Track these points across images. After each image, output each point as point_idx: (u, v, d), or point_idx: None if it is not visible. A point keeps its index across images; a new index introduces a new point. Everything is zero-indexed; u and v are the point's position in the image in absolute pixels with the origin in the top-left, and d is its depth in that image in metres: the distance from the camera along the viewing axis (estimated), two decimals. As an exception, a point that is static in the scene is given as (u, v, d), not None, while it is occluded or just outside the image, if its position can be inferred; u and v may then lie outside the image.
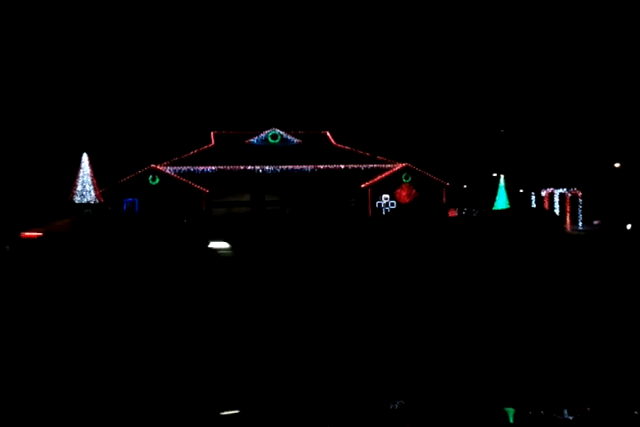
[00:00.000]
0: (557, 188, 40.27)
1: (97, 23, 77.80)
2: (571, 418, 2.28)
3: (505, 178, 45.75)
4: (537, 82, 68.00)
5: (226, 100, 71.62)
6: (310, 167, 48.61)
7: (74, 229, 15.39)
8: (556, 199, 39.58)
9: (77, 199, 38.70)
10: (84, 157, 39.84)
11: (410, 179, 48.39)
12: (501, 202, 44.57)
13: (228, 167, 47.98)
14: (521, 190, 49.44)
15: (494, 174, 50.86)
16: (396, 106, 71.55)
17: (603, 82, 56.98)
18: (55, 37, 71.98)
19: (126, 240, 15.19)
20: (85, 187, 39.24)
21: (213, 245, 17.96)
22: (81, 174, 39.46)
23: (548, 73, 66.49)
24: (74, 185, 39.46)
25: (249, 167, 48.13)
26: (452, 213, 46.92)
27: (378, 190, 48.62)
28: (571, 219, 38.66)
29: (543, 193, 40.57)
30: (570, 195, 39.26)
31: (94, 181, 39.74)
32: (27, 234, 15.46)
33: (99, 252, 14.64)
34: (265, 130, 51.47)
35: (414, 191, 47.83)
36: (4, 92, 52.75)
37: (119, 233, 15.47)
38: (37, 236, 15.46)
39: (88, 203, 37.89)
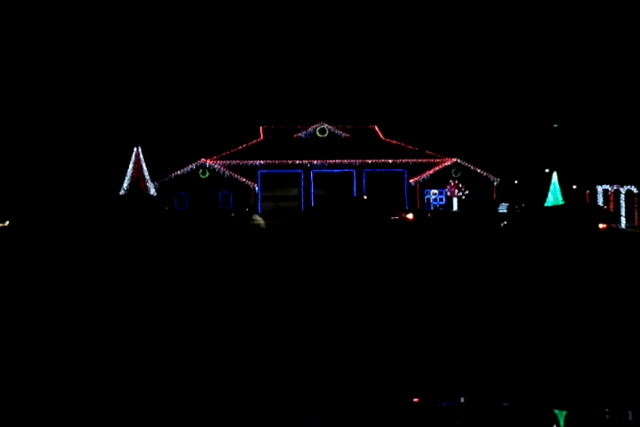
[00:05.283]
0: (612, 184, 39.14)
1: (148, 21, 79.12)
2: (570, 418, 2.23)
3: (558, 174, 44.71)
4: (591, 74, 66.33)
5: (274, 94, 71.97)
6: (358, 162, 48.54)
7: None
8: (619, 196, 38.49)
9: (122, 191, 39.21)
10: (137, 151, 40.46)
11: (459, 174, 47.94)
12: (554, 198, 43.60)
13: (277, 161, 48.35)
14: (574, 186, 48.28)
15: (546, 170, 49.80)
16: (445, 100, 70.64)
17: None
18: (108, 36, 73.54)
19: None
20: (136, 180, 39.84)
21: None
22: (131, 167, 40.03)
23: (603, 64, 64.76)
24: (126, 177, 40.19)
25: (297, 161, 48.37)
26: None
27: (426, 185, 48.30)
28: (627, 217, 37.54)
29: (599, 189, 39.42)
30: (624, 191, 38.10)
31: (140, 174, 40.09)
32: None
33: None
34: (313, 124, 51.55)
35: (464, 187, 47.31)
36: (71, 90, 54.22)
37: None
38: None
39: (130, 194, 38.30)
